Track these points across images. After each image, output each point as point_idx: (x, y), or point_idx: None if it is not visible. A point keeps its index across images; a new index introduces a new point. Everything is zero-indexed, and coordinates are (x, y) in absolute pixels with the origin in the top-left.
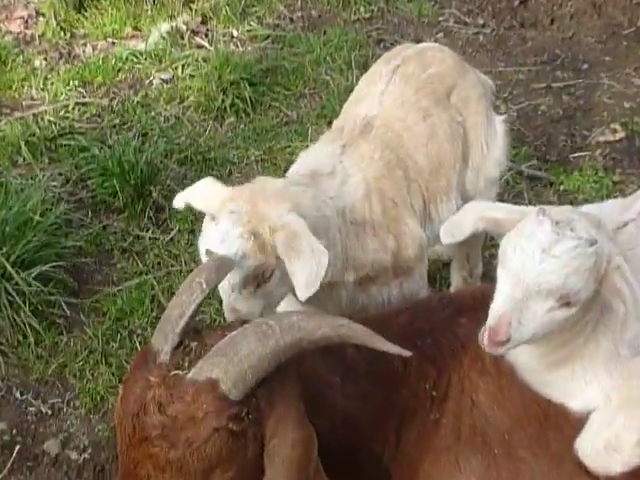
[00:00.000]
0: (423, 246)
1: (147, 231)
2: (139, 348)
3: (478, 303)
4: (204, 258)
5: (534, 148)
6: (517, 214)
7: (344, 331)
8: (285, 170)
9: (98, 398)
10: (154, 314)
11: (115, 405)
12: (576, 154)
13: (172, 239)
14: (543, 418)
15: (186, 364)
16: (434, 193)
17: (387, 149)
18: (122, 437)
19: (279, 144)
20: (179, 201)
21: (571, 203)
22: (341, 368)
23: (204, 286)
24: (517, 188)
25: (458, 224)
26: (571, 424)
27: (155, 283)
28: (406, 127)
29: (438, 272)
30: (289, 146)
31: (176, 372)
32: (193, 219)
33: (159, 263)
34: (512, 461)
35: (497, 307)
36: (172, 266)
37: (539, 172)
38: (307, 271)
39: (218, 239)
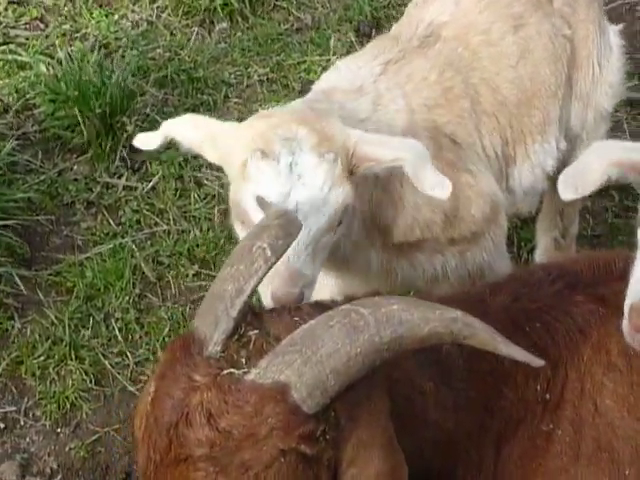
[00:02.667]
0: (497, 204)
1: (120, 178)
2: (120, 337)
3: (599, 276)
4: (253, 213)
5: (634, 64)
6: None
7: (459, 328)
8: (301, 93)
9: (67, 405)
10: (137, 290)
11: (138, 411)
12: None
13: (154, 188)
14: None
15: (244, 360)
16: (523, 131)
17: (451, 70)
18: (149, 455)
19: (290, 58)
20: (152, 139)
21: None
22: (435, 368)
23: (268, 253)
24: (614, 117)
25: (582, 173)
26: None
27: (135, 248)
28: (488, 42)
29: (515, 231)
30: (304, 61)
31: (231, 371)
32: (182, 160)
33: (138, 221)
34: None
35: None
36: (156, 225)
37: None
38: (430, 167)
39: (288, 179)
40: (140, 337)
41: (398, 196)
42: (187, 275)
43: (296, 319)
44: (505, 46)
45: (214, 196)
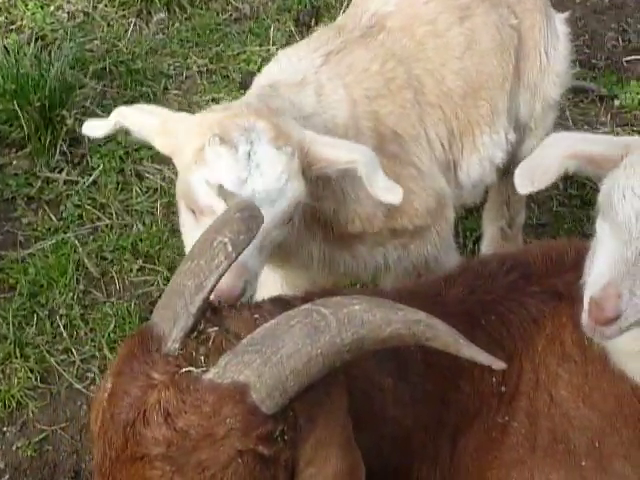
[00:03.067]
0: (443, 197)
1: (60, 172)
2: (65, 334)
3: (552, 267)
4: (212, 201)
5: (575, 50)
6: (619, 147)
7: (422, 330)
8: (241, 85)
9: (13, 404)
10: (81, 286)
11: (94, 406)
12: (630, 57)
13: (95, 182)
14: None
15: (202, 358)
16: (470, 123)
17: (393, 60)
18: (105, 451)
19: (229, 49)
20: (102, 126)
21: (629, 124)
22: (393, 363)
23: (229, 248)
24: None
25: (538, 166)
26: None
27: (78, 244)
28: (434, 32)
29: (459, 221)
30: (243, 52)
31: (189, 369)
32: (123, 153)
33: (80, 216)
34: (606, 476)
35: (601, 273)
36: (99, 220)
37: (584, 83)
38: (381, 172)
39: (246, 166)
40: (85, 334)
41: (339, 189)
42: (131, 270)
43: (256, 316)
44: (451, 37)
45: (156, 189)
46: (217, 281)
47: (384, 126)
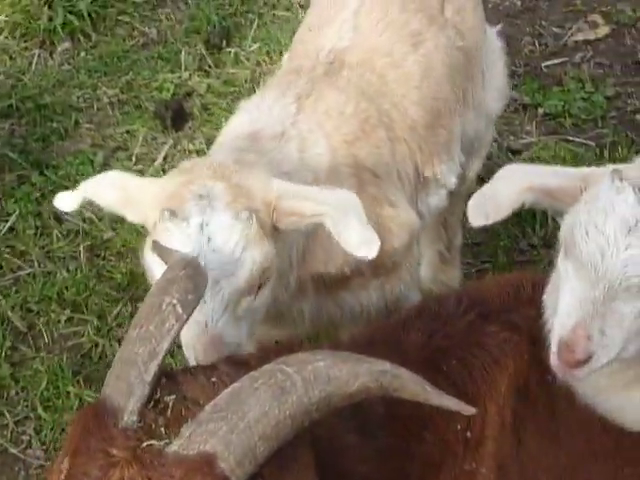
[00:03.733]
0: (414, 231)
1: None
2: (2, 407)
3: (509, 302)
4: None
5: None
6: (577, 179)
7: (389, 381)
8: (155, 114)
9: None
10: (8, 342)
11: None
12: (549, 62)
13: (13, 229)
14: (615, 452)
15: (163, 429)
16: (431, 153)
17: (364, 99)
18: None
19: (140, 77)
20: (71, 200)
21: (555, 132)
22: (356, 419)
23: (179, 310)
24: None
25: (493, 199)
26: None
27: (0, 297)
28: (393, 64)
29: None
30: (155, 79)
31: (151, 442)
32: (39, 196)
33: (0, 266)
34: None
35: (568, 313)
36: (20, 269)
37: None
38: (356, 223)
39: (199, 238)
40: (17, 393)
41: (328, 241)
42: (59, 321)
43: (213, 380)
44: (408, 66)
45: (77, 232)
46: (170, 345)
47: (363, 168)
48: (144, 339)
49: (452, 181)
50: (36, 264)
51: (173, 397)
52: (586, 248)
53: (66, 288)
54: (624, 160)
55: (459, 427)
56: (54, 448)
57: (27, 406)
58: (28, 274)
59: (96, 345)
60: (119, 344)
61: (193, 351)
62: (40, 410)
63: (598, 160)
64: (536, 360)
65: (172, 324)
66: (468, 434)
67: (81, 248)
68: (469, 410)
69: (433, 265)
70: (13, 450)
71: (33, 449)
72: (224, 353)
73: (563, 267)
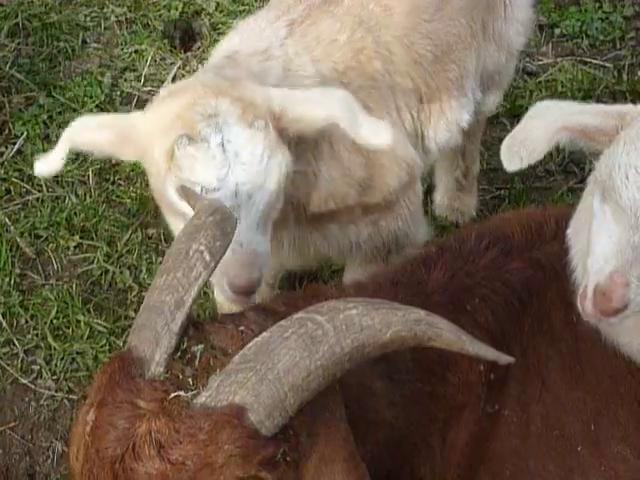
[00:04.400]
0: (413, 169)
1: None
2: (5, 324)
3: (531, 238)
4: (184, 205)
5: None
6: (613, 118)
7: (423, 330)
8: (164, 34)
9: None
10: (17, 270)
11: (74, 441)
12: None
13: (21, 152)
14: None
15: (190, 380)
16: (438, 88)
17: (361, 29)
18: None
19: None
20: (54, 160)
21: (572, 54)
22: (384, 364)
23: (207, 257)
24: None
25: (527, 142)
26: None
27: (8, 222)
28: None
29: None
30: None
31: (179, 394)
32: (47, 118)
33: (8, 191)
34: (604, 460)
35: (605, 260)
36: (28, 193)
37: None
38: (362, 117)
39: (224, 160)
40: (26, 321)
41: (312, 171)
42: (68, 248)
43: (241, 329)
44: None
45: (86, 156)
46: (198, 294)
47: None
48: (171, 287)
49: (464, 118)
50: (44, 188)
51: (201, 347)
52: (626, 192)
53: (75, 213)
54: None
55: (482, 368)
56: (64, 378)
57: (37, 335)
58: (37, 199)
59: (106, 272)
60: (129, 271)
61: (225, 276)
62: (50, 339)
63: (616, 83)
64: (560, 298)
65: (200, 272)
66: (491, 376)
67: (90, 172)
68: (506, 359)
69: (449, 192)
70: (24, 380)
71: (43, 379)
72: (258, 268)
73: (600, 210)
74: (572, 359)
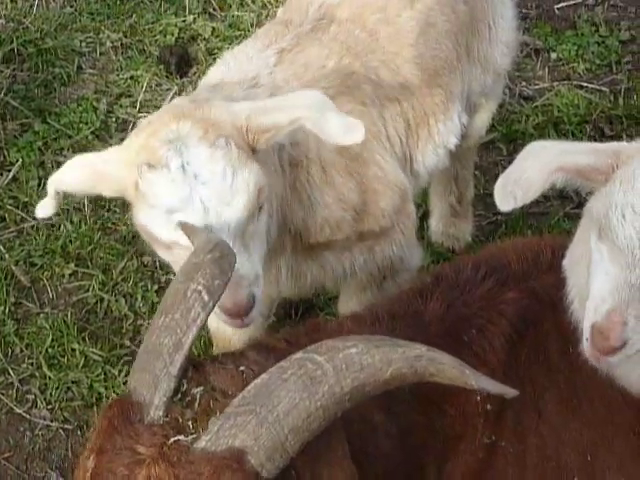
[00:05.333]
0: (405, 193)
1: None
2: (3, 359)
3: (528, 268)
4: (172, 235)
5: None
6: (608, 156)
7: (424, 366)
8: (159, 60)
9: None
10: (12, 299)
11: None
12: (562, 4)
13: (16, 179)
14: (638, 425)
15: (190, 424)
16: (426, 113)
17: (349, 55)
18: None
19: (143, 20)
20: (49, 204)
21: (568, 78)
22: (383, 397)
23: (205, 298)
24: None
25: (521, 179)
26: None
27: (3, 249)
28: (385, 20)
29: None
30: (159, 22)
31: (178, 438)
32: (42, 145)
33: (3, 218)
34: None
35: (602, 298)
36: (23, 220)
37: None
38: (333, 115)
39: (184, 182)
40: (21, 350)
41: (306, 196)
42: (63, 275)
43: (242, 369)
44: (403, 23)
45: None
46: (196, 336)
47: None
48: (169, 329)
49: (451, 141)
50: None
51: (200, 389)
52: (622, 231)
53: (70, 241)
54: (639, 108)
55: (478, 399)
56: (60, 407)
57: (32, 364)
58: (32, 226)
59: (101, 300)
60: (124, 299)
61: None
62: (45, 368)
63: (613, 108)
64: (556, 328)
65: (198, 312)
66: (488, 406)
67: (85, 199)
68: (511, 392)
69: (444, 218)
70: (18, 410)
71: (38, 408)
72: (245, 288)
73: (597, 249)
74: (568, 390)
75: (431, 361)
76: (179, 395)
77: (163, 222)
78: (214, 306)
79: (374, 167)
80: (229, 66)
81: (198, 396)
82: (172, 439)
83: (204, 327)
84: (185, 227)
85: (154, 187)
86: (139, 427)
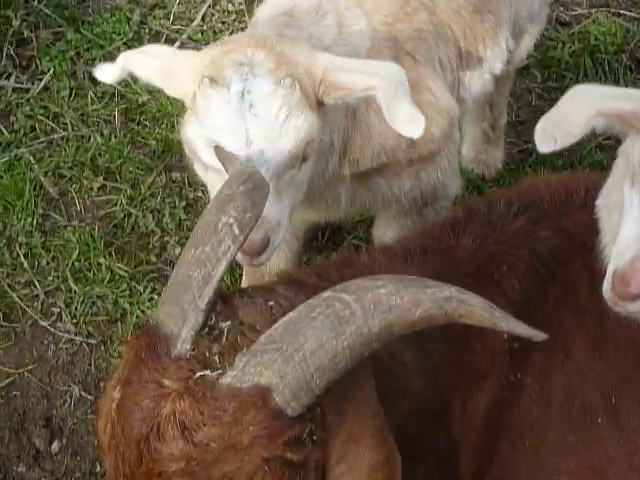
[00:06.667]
0: (453, 119)
1: (8, 78)
2: (25, 264)
3: (561, 207)
4: (211, 159)
5: None
6: None
7: (454, 308)
8: None
9: None
10: (40, 210)
11: (102, 414)
12: None
13: (47, 88)
14: None
15: (217, 358)
16: (476, 38)
17: None
18: (118, 466)
19: None
20: (111, 72)
21: (606, 5)
22: (413, 334)
23: (236, 231)
24: None
25: (562, 122)
26: None
27: (32, 160)
28: None
29: None
30: None
31: (204, 373)
32: (74, 55)
33: (33, 128)
34: (624, 433)
35: (627, 245)
36: (53, 131)
37: None
38: (404, 99)
39: (238, 107)
40: (48, 263)
41: (365, 124)
42: (92, 188)
43: (270, 304)
44: None
45: (113, 94)
46: (226, 269)
47: (403, 52)
48: (199, 261)
49: (498, 66)
50: (70, 127)
51: (229, 323)
52: None
53: (99, 154)
54: None
55: (506, 336)
56: (84, 322)
57: (58, 277)
58: (62, 138)
59: (129, 215)
60: (152, 215)
61: None
62: (71, 282)
63: None
64: (587, 269)
65: (228, 246)
66: (515, 344)
67: (116, 112)
68: (540, 336)
69: (476, 144)
70: (43, 323)
71: (63, 322)
72: (262, 230)
73: (628, 195)
74: (596, 331)
75: (460, 303)
76: (207, 329)
77: (205, 141)
78: (245, 239)
79: (427, 93)
80: None
81: (226, 330)
82: (198, 374)
83: (235, 261)
84: (220, 152)
85: (208, 102)
86: (166, 360)
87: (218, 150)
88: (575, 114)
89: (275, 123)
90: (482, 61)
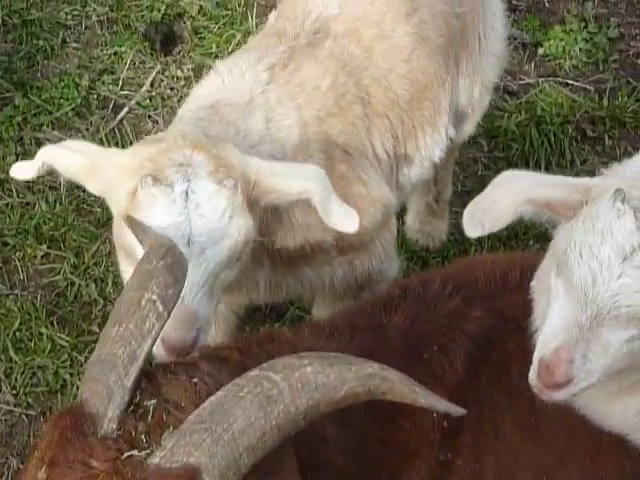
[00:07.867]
0: (388, 209)
1: None
2: None
3: (495, 287)
4: (139, 249)
5: None
6: (579, 192)
7: (377, 385)
8: (145, 37)
9: None
10: None
11: None
12: None
13: None
14: (594, 451)
15: (143, 437)
16: (414, 126)
17: (343, 74)
18: None
19: None
20: (30, 168)
21: (554, 74)
22: (338, 410)
23: (160, 308)
24: None
25: (490, 208)
26: (634, 459)
27: None
28: (380, 35)
29: None
30: None
31: (132, 453)
32: (21, 120)
33: None
34: None
35: (553, 335)
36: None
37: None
38: (335, 198)
39: (183, 207)
40: None
41: (287, 217)
42: (35, 257)
43: (195, 380)
44: (397, 38)
45: None
46: (151, 347)
47: (334, 146)
48: (123, 339)
49: (437, 154)
50: (15, 194)
51: (154, 402)
52: (578, 270)
53: (44, 221)
54: (623, 108)
55: (435, 415)
56: (24, 393)
57: None
58: (6, 204)
59: (72, 284)
60: (95, 284)
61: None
62: (11, 351)
63: (597, 108)
64: (520, 350)
65: (153, 323)
66: (445, 423)
67: (61, 179)
68: (458, 411)
69: (420, 216)
70: None
71: (2, 393)
72: (195, 329)
73: (554, 284)
74: (528, 412)
75: (383, 379)
76: (132, 407)
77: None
78: (169, 316)
79: (359, 186)
80: (224, 82)
81: (151, 409)
82: (126, 454)
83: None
84: (133, 223)
85: (152, 200)
86: (92, 440)
87: (131, 220)
88: (503, 201)
89: (219, 223)
90: (421, 148)
